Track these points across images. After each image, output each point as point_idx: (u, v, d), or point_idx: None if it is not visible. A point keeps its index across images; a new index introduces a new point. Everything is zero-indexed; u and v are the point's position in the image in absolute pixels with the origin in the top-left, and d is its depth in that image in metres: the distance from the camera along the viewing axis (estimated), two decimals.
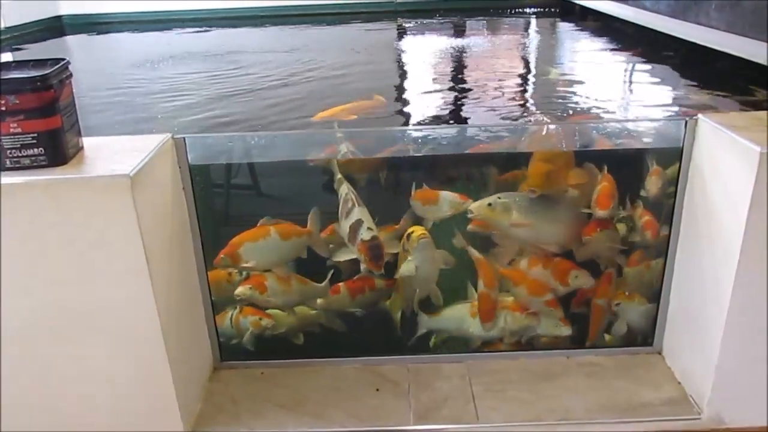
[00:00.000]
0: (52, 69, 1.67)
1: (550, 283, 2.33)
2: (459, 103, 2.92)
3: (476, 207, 2.21)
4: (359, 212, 2.22)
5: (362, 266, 2.26)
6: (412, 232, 2.28)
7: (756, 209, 1.70)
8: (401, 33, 5.20)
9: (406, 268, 2.28)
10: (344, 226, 2.26)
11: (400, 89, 3.35)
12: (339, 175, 2.36)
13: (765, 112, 1.96)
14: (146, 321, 1.79)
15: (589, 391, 2.11)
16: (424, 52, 4.35)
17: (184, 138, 1.98)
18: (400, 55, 4.28)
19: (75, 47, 4.99)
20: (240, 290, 2.29)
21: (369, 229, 2.17)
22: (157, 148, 1.85)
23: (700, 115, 1.96)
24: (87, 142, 1.84)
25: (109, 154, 1.79)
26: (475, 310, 2.37)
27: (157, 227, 1.83)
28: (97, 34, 5.36)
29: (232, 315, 2.40)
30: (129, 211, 1.67)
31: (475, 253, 2.34)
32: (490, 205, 2.19)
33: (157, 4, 5.50)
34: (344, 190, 2.32)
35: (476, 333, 2.37)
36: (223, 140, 2.13)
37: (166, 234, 1.91)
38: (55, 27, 5.42)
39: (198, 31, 5.35)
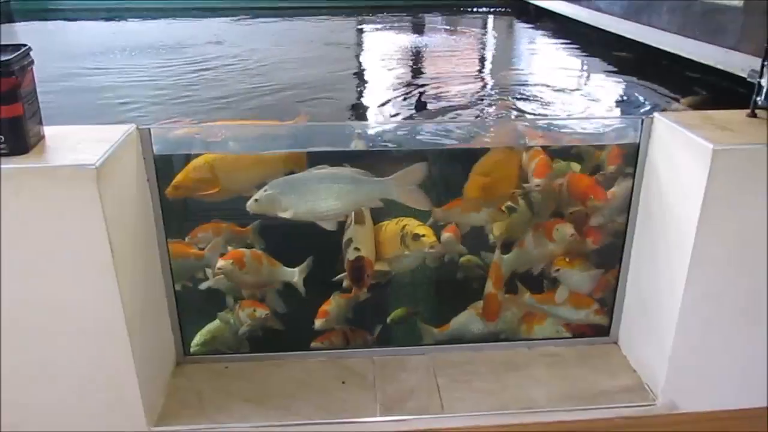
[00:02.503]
0: (14, 55, 1.62)
1: (542, 244, 2.39)
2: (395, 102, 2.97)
3: (249, 204, 2.18)
4: (352, 231, 2.30)
5: None
6: (423, 236, 2.29)
7: (708, 204, 1.78)
8: (354, 29, 5.23)
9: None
10: (345, 236, 2.33)
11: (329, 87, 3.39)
12: None
13: (716, 111, 2.06)
14: (111, 315, 1.76)
15: (551, 381, 2.16)
16: (370, 49, 4.41)
17: (149, 128, 1.95)
18: (340, 52, 4.32)
19: (22, 34, 4.85)
20: (221, 263, 2.30)
21: (356, 249, 2.25)
22: (122, 138, 1.81)
23: (656, 114, 2.04)
24: (48, 131, 1.79)
25: (73, 143, 1.75)
26: (478, 311, 2.44)
27: (122, 219, 1.80)
28: (45, 21, 5.22)
29: (234, 310, 2.42)
30: (94, 202, 1.64)
31: (496, 255, 2.41)
32: (257, 200, 2.16)
33: None
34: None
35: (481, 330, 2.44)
36: (189, 131, 2.11)
37: (131, 226, 1.88)
38: (3, 13, 5.24)
39: (150, 21, 5.28)
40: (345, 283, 2.38)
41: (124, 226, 1.81)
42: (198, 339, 2.44)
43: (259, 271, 2.40)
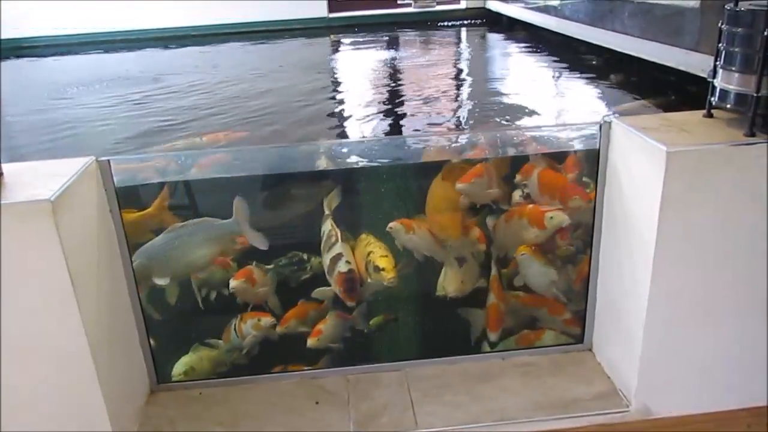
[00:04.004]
0: None
1: (528, 231, 2.37)
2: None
3: None
4: (340, 247, 2.37)
5: None
6: (383, 270, 2.30)
7: (667, 205, 1.78)
8: (330, 49, 5.28)
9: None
10: (325, 259, 2.39)
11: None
12: (327, 212, 2.48)
13: (674, 113, 2.07)
14: (75, 348, 1.77)
15: (524, 391, 2.16)
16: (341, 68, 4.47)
17: (108, 160, 1.97)
18: (318, 73, 4.37)
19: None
20: (234, 284, 2.32)
21: (347, 262, 2.31)
22: (80, 171, 1.83)
23: (613, 119, 2.05)
24: (7, 168, 1.80)
25: (30, 179, 1.76)
26: None
27: (83, 251, 1.81)
28: (17, 59, 5.27)
29: (235, 325, 2.40)
30: (51, 236, 1.65)
31: (494, 269, 2.44)
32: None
33: (82, 27, 5.43)
34: (327, 227, 2.45)
35: None
36: (148, 161, 2.12)
37: (93, 258, 1.89)
38: None
39: (125, 52, 5.33)
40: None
41: (85, 258, 1.82)
42: (178, 369, 2.43)
43: (267, 284, 2.43)
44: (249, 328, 2.39)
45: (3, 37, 5.26)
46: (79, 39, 5.41)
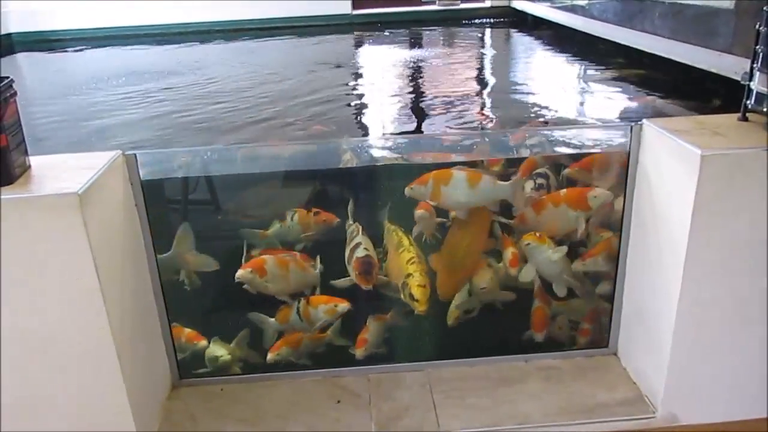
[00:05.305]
0: None
1: (570, 218, 2.32)
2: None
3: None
4: (361, 238, 2.41)
5: None
6: (417, 301, 2.24)
7: (699, 210, 1.75)
8: (353, 45, 5.28)
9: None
10: (347, 250, 2.41)
11: None
12: (350, 221, 2.53)
13: (708, 116, 2.03)
14: (100, 341, 1.76)
15: (547, 395, 2.13)
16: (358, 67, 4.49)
17: (135, 154, 1.97)
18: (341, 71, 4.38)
19: (26, 65, 4.95)
20: (240, 273, 2.26)
21: (365, 249, 2.34)
22: (106, 165, 1.83)
23: (644, 120, 2.01)
24: (35, 161, 1.81)
25: (57, 172, 1.76)
26: None
27: (109, 245, 1.81)
28: (48, 52, 5.32)
29: (298, 307, 2.34)
30: (78, 229, 1.65)
31: (537, 280, 2.42)
32: None
33: (108, 21, 5.48)
34: (354, 228, 2.49)
35: None
36: (175, 155, 2.12)
37: (119, 251, 1.88)
38: (5, 45, 5.34)
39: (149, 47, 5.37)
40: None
41: (111, 252, 1.82)
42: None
43: (285, 278, 2.35)
44: (321, 312, 2.34)
45: (36, 29, 5.36)
46: (99, 33, 5.46)
